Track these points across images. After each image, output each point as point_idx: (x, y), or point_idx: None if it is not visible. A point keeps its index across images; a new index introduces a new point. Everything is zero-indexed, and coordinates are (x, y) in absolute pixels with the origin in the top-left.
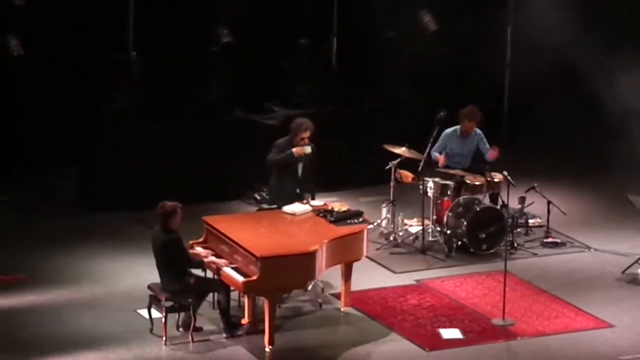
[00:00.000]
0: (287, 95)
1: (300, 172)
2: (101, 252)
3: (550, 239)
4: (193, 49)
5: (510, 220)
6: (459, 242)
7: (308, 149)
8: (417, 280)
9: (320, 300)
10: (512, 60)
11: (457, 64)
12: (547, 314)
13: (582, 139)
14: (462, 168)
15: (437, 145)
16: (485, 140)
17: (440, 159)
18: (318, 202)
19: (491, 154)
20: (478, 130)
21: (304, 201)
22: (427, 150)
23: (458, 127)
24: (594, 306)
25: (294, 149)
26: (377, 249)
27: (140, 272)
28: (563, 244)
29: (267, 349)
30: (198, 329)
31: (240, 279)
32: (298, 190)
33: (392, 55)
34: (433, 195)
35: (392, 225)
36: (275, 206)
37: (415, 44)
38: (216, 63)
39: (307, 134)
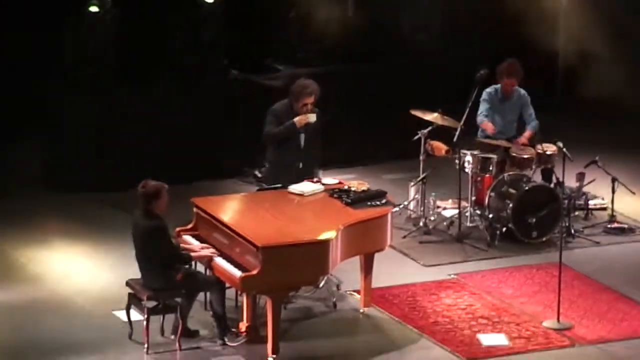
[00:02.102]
0: (293, 51)
1: (302, 142)
2: (69, 241)
3: (615, 224)
4: None
5: (566, 201)
6: (504, 229)
7: (313, 117)
8: (453, 275)
9: (334, 300)
10: (569, 4)
11: (500, 10)
12: (611, 316)
13: None
14: (506, 138)
15: (482, 108)
16: (530, 104)
17: (489, 126)
18: (331, 179)
19: (523, 138)
20: (522, 91)
21: (315, 179)
22: (465, 116)
23: (498, 86)
24: None
25: (296, 119)
26: (404, 236)
27: (116, 265)
28: (631, 230)
29: (270, 359)
30: (193, 334)
31: (237, 273)
32: (301, 165)
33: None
34: (472, 172)
35: (422, 208)
36: (279, 185)
37: None
38: (208, 13)
39: (310, 100)
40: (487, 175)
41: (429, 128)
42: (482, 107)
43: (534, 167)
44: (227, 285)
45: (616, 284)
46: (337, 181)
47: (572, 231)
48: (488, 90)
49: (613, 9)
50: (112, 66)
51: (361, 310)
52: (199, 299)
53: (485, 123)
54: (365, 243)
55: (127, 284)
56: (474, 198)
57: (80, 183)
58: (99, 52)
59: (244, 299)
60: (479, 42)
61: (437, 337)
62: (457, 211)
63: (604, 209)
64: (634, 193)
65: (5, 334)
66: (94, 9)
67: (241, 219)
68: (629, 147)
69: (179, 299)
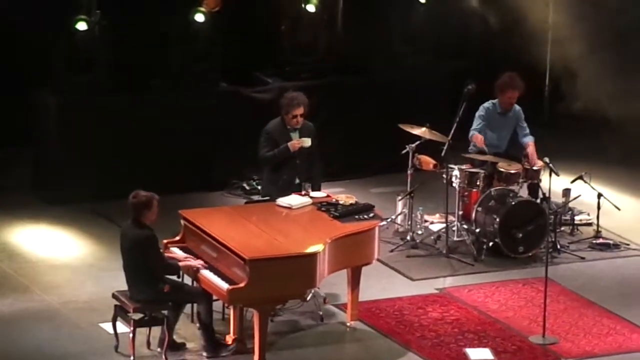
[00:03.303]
0: (282, 64)
1: (298, 160)
2: (56, 252)
3: (600, 240)
4: (171, 10)
5: (552, 216)
6: (490, 243)
7: (307, 142)
8: (440, 289)
9: (321, 313)
10: (555, 20)
11: (489, 25)
12: (596, 331)
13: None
14: (495, 153)
15: (476, 123)
16: (523, 120)
17: (479, 137)
18: (320, 193)
19: (530, 150)
20: (517, 107)
21: (303, 192)
22: (452, 130)
23: (496, 101)
24: None
25: (289, 144)
26: (391, 250)
27: (103, 277)
28: (616, 246)
29: None
30: (179, 347)
31: (224, 286)
32: (297, 180)
33: (407, 12)
34: (459, 186)
35: (409, 222)
36: (267, 198)
37: None
38: (198, 26)
39: (300, 111)
40: (474, 190)
41: (417, 142)
42: (476, 123)
43: (520, 182)
44: (214, 297)
45: (601, 299)
46: (325, 194)
47: (558, 246)
48: (485, 105)
49: (599, 24)
50: (103, 76)
51: (348, 324)
52: (185, 311)
53: (475, 135)
54: (352, 256)
55: (114, 295)
56: (461, 212)
57: (68, 193)
58: (89, 62)
59: (231, 312)
60: (467, 57)
61: (423, 352)
62: (444, 225)
63: (590, 224)
64: (619, 209)
65: None
66: (82, 25)
67: (229, 231)
68: (614, 162)
69: (165, 311)
